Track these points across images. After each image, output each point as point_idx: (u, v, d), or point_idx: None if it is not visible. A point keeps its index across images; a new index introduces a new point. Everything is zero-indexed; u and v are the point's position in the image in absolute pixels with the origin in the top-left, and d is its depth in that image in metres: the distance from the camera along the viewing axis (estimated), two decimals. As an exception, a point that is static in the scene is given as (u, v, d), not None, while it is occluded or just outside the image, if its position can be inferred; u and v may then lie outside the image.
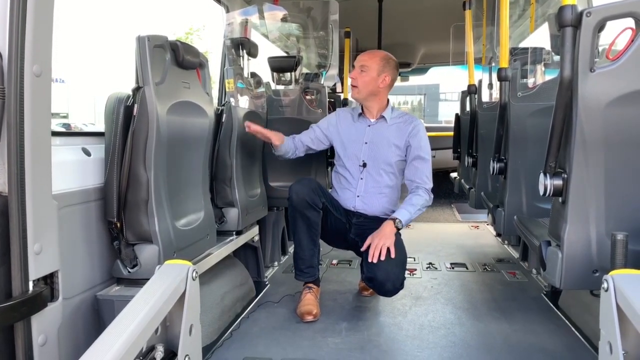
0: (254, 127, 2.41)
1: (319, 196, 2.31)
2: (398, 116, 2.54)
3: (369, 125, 2.52)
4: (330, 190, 2.71)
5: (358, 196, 2.49)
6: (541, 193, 1.56)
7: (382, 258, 2.13)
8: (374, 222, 2.42)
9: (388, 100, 2.55)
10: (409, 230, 4.38)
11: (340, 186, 2.56)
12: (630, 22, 1.38)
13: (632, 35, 1.38)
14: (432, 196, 2.46)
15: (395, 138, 2.47)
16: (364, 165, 2.48)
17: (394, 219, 2.28)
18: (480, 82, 3.62)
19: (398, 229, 2.27)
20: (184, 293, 1.30)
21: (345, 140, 2.54)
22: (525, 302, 2.49)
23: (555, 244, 1.60)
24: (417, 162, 2.45)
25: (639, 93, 1.41)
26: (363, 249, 2.23)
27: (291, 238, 2.63)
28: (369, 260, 2.16)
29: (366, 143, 2.49)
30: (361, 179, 2.49)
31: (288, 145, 2.57)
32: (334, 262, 3.25)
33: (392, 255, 2.15)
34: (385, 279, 2.13)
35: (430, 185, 2.46)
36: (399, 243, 2.30)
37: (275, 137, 2.49)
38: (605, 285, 1.15)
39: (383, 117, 2.50)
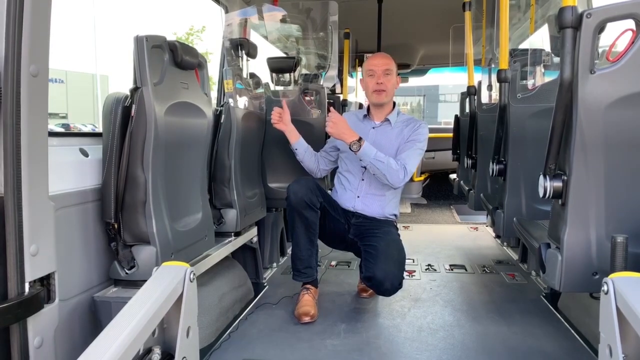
0: (278, 119, 2.57)
1: (317, 196, 2.30)
2: (403, 120, 2.53)
3: (373, 127, 2.52)
4: (330, 190, 2.71)
5: (358, 197, 2.48)
6: (541, 195, 1.55)
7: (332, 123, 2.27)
8: (372, 223, 2.41)
9: (394, 102, 2.56)
10: (408, 232, 4.38)
11: (341, 186, 2.55)
12: (630, 23, 1.37)
13: (632, 37, 1.37)
14: (405, 177, 2.31)
15: (398, 140, 2.46)
16: (366, 167, 2.47)
17: (361, 139, 2.27)
18: (479, 83, 3.61)
19: (354, 144, 2.25)
20: (181, 295, 1.29)
21: None
22: (524, 304, 2.49)
23: (555, 246, 1.59)
24: (409, 145, 2.40)
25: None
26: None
27: (290, 239, 2.63)
28: (327, 129, 2.29)
29: None
30: (362, 180, 2.48)
31: (308, 154, 2.62)
32: (333, 263, 3.24)
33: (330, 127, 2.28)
34: (384, 278, 2.14)
35: (410, 169, 2.33)
36: (398, 243, 2.31)
37: (291, 135, 2.59)
38: (605, 288, 1.15)
39: (388, 120, 2.50)
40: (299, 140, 2.59)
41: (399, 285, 2.21)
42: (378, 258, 2.17)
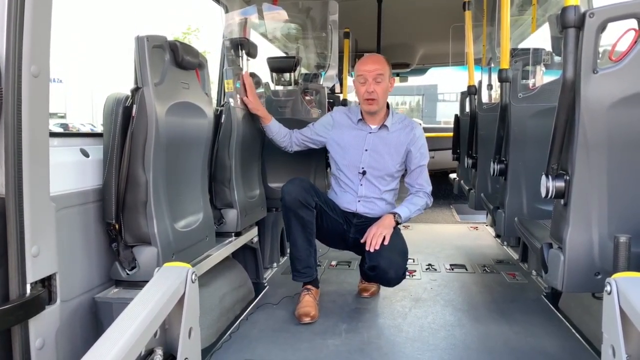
0: (250, 100, 2.48)
1: (312, 196, 2.30)
2: (398, 121, 2.51)
3: (370, 132, 2.49)
4: (328, 191, 2.70)
5: (359, 201, 2.49)
6: (543, 195, 1.55)
7: (377, 247, 2.21)
8: (374, 221, 2.41)
9: (388, 103, 2.53)
10: (407, 231, 4.37)
11: (340, 189, 2.54)
12: (633, 23, 1.37)
13: (635, 37, 1.37)
14: (432, 199, 2.54)
15: (397, 147, 2.46)
16: (364, 172, 2.46)
17: (393, 213, 2.35)
18: (480, 83, 3.61)
19: (398, 223, 2.34)
20: (183, 295, 1.29)
21: (344, 145, 2.51)
22: (525, 303, 2.49)
23: (557, 246, 1.59)
24: (419, 169, 2.52)
25: None
26: (363, 240, 2.28)
27: (288, 240, 2.62)
28: (367, 248, 2.23)
29: (366, 150, 2.47)
30: (361, 185, 2.48)
31: (280, 133, 2.61)
32: (333, 263, 3.24)
33: (386, 242, 2.22)
34: (388, 266, 2.19)
35: (430, 188, 2.53)
36: (399, 235, 2.36)
37: (265, 116, 2.56)
38: (608, 288, 1.15)
39: (385, 125, 2.48)
40: (272, 121, 2.60)
41: (402, 275, 2.26)
42: (382, 247, 2.21)
